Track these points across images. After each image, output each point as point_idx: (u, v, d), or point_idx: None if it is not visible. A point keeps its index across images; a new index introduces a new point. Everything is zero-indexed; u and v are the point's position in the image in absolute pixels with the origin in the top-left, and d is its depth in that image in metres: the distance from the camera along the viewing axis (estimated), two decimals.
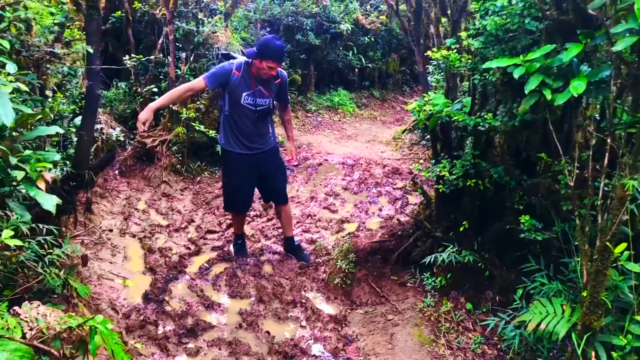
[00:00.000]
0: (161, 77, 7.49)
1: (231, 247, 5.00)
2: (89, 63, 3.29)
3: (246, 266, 4.73)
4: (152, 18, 7.92)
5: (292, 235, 4.96)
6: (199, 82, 4.27)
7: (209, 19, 7.07)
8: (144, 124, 4.08)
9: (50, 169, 2.00)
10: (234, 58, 4.48)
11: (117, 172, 6.49)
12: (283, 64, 4.24)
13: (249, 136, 4.42)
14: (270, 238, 5.38)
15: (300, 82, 10.65)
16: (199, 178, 6.87)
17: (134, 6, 7.55)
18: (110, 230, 5.22)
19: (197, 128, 6.77)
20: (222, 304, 4.20)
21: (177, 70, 7.04)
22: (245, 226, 5.26)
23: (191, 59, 7.03)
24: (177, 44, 7.09)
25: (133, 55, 7.14)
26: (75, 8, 3.32)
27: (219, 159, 7.18)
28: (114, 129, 6.01)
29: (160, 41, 7.50)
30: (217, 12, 7.45)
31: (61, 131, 2.25)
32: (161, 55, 7.42)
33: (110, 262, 4.64)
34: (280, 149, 5.26)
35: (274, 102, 4.54)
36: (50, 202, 1.93)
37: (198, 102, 6.97)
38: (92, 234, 4.91)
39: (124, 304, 4.04)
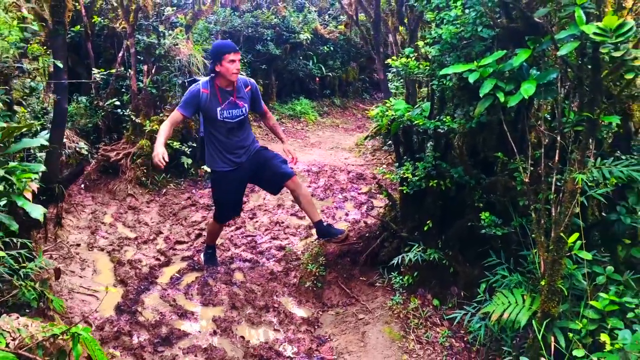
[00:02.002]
0: (123, 90, 7.48)
1: (201, 257, 5.04)
2: (55, 77, 3.31)
3: (217, 274, 4.78)
4: (112, 32, 7.91)
5: (320, 219, 4.66)
6: (175, 114, 4.31)
7: (170, 32, 7.11)
8: (162, 157, 4.03)
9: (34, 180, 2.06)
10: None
11: (82, 186, 6.44)
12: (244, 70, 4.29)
13: (233, 149, 4.44)
14: (240, 246, 5.44)
15: (262, 92, 10.73)
16: (164, 190, 6.88)
17: (93, 20, 7.52)
18: (78, 245, 5.20)
19: None
20: (195, 312, 4.25)
21: (140, 83, 7.05)
22: None
23: (153, 71, 7.05)
24: (139, 56, 7.10)
25: (94, 69, 7.11)
26: (42, 24, 3.34)
27: (184, 171, 7.23)
28: (77, 144, 5.98)
29: (120, 54, 7.50)
30: (178, 24, 7.50)
31: (46, 143, 2.29)
32: (122, 68, 7.42)
33: (80, 276, 4.63)
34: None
35: (251, 112, 4.60)
36: (38, 211, 1.98)
37: (161, 114, 6.99)
38: (59, 248, 4.88)
39: (96, 317, 4.04)
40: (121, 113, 7.08)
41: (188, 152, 6.98)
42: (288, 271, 4.84)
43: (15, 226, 2.10)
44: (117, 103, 7.08)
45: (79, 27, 7.59)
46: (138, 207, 6.35)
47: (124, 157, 6.82)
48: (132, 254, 5.19)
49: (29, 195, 1.97)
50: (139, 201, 6.49)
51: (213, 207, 6.42)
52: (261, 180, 4.75)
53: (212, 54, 4.27)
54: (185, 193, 6.93)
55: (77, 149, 5.12)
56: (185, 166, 7.13)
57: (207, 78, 4.36)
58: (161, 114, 7.00)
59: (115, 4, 7.13)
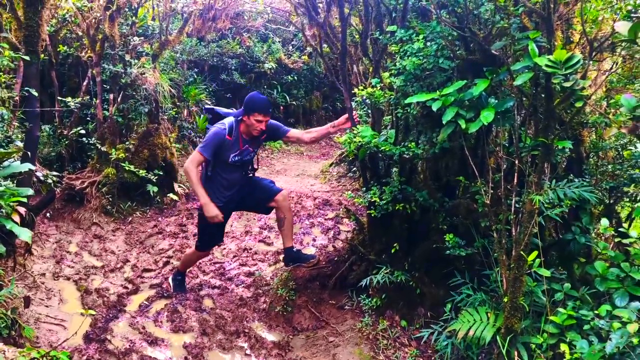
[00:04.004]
0: (88, 118, 7.46)
1: (170, 282, 5.02)
2: (28, 106, 3.33)
3: (186, 301, 4.78)
4: (76, 60, 7.91)
5: (292, 245, 4.85)
6: (198, 156, 4.38)
7: (136, 61, 7.16)
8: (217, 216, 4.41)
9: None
10: (218, 113, 4.68)
11: (47, 215, 6.35)
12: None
13: (232, 186, 4.60)
14: (208, 273, 5.45)
15: None
16: (130, 218, 6.83)
17: (58, 49, 7.51)
18: (43, 274, 5.12)
19: (127, 168, 6.77)
20: (165, 339, 4.23)
21: (105, 111, 7.05)
22: None
23: (119, 99, 7.06)
24: (104, 85, 7.11)
25: (59, 97, 7.09)
26: (19, 53, 3.37)
27: (150, 199, 7.20)
28: (42, 172, 5.91)
29: (85, 83, 7.50)
30: (144, 53, 7.55)
31: (34, 168, 2.32)
32: (87, 97, 7.41)
33: (46, 306, 4.56)
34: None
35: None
36: (26, 234, 2.01)
37: (127, 143, 6.99)
38: (24, 278, 4.80)
39: (64, 346, 3.99)
40: (86, 142, 7.04)
41: (154, 180, 6.97)
42: (258, 296, 4.88)
43: (3, 249, 2.11)
44: (82, 132, 7.04)
45: (43, 55, 7.55)
46: (104, 235, 6.30)
47: (89, 185, 6.77)
48: (99, 282, 5.14)
49: (17, 218, 2.00)
50: (105, 230, 6.43)
51: (182, 235, 6.43)
52: (250, 203, 4.86)
53: (245, 104, 4.37)
54: (152, 221, 6.90)
55: (42, 177, 5.07)
56: (151, 194, 7.11)
57: (233, 119, 4.44)
58: (127, 142, 7.00)
59: (80, 33, 7.14)
